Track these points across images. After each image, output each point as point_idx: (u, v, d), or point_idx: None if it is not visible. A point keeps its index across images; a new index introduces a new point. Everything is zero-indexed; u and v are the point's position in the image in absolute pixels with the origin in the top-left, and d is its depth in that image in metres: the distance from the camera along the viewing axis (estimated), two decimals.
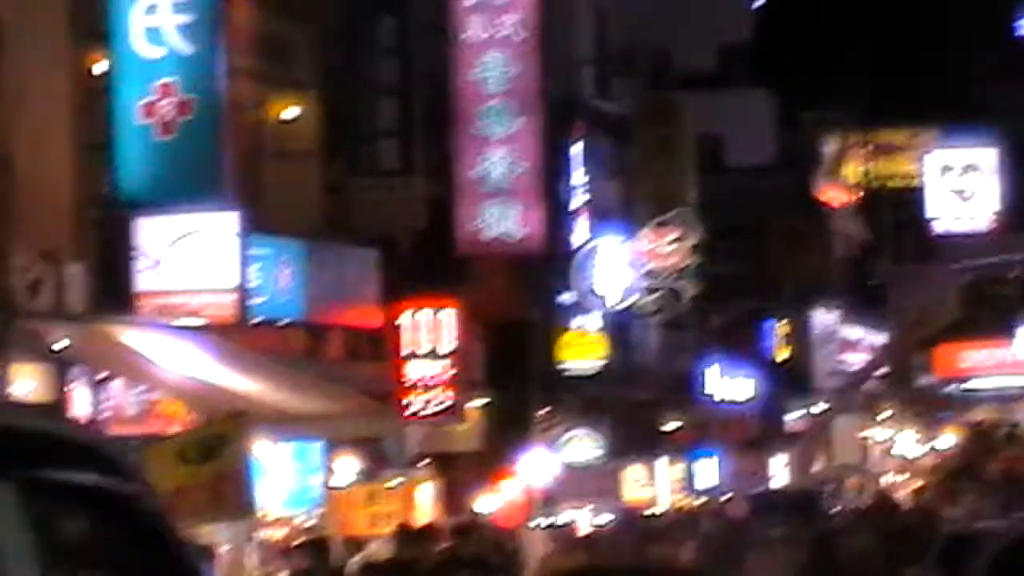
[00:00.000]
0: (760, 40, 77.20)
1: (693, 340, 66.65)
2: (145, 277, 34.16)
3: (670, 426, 60.72)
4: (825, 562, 41.77)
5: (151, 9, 34.30)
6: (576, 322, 55.99)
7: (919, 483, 77.93)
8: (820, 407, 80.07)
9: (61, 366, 29.63)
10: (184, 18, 34.53)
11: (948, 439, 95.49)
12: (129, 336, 31.74)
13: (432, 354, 43.63)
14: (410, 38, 45.51)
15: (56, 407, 20.03)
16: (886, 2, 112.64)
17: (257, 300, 36.03)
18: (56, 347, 27.84)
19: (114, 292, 33.61)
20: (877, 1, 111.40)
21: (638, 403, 57.97)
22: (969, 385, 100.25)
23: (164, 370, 29.72)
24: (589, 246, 56.77)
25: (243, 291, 35.27)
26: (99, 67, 34.45)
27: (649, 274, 57.06)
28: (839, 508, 61.70)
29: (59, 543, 8.03)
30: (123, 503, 8.36)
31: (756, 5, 76.24)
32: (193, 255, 34.49)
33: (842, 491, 72.21)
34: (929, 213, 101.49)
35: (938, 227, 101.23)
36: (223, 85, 35.29)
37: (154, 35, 34.33)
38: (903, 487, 76.71)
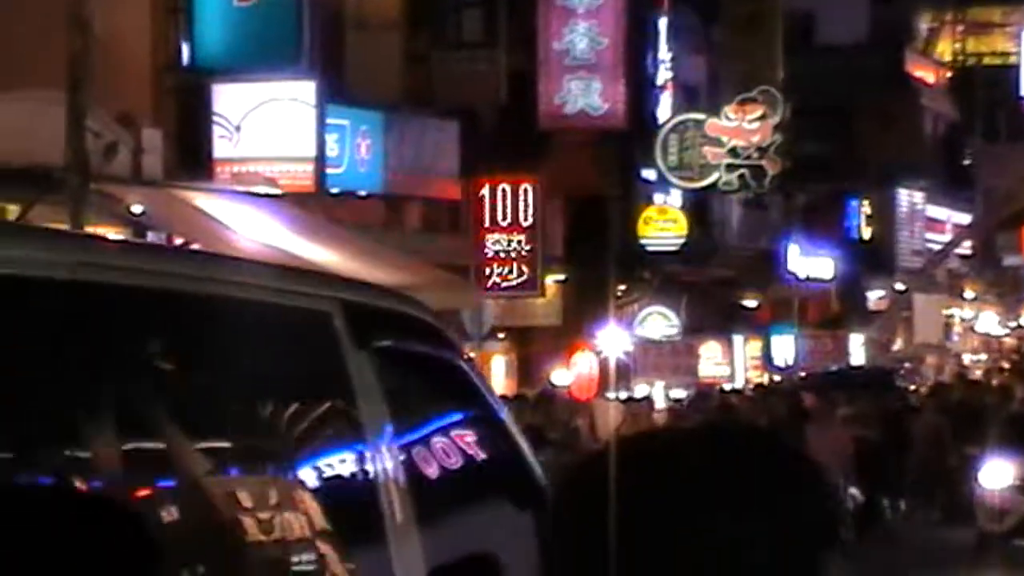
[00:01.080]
0: None
1: (776, 218, 66.02)
2: (222, 144, 34.38)
3: (750, 304, 60.12)
4: (896, 438, 41.49)
5: None
6: (658, 199, 55.54)
7: (999, 362, 77.71)
8: (902, 286, 79.33)
9: (139, 230, 29.41)
10: None
11: None
12: (206, 203, 31.45)
13: (511, 227, 43.27)
14: None
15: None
16: None
17: (335, 170, 36.19)
18: (134, 210, 27.51)
19: (191, 158, 33.69)
20: None
21: (718, 280, 57.77)
22: None
23: (242, 238, 29.28)
24: (673, 122, 56.39)
25: (321, 161, 35.36)
26: None
27: (733, 151, 56.61)
28: (916, 386, 61.68)
29: (403, 396, 10.00)
30: (446, 366, 10.94)
31: None
32: (271, 123, 34.57)
33: (920, 369, 72.05)
34: (1023, 91, 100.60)
35: None
36: None
37: None
38: (983, 366, 76.27)
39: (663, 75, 57.03)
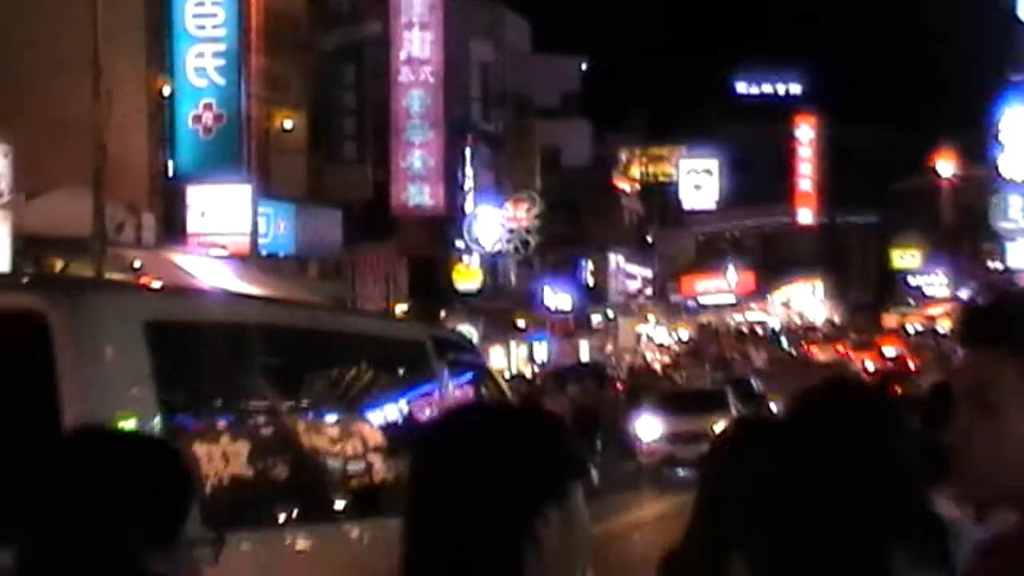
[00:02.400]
0: (584, 89, 76.34)
1: (536, 271, 66.21)
2: (194, 222, 33.60)
3: (520, 323, 60.17)
4: (599, 405, 43.78)
5: (199, 55, 33.75)
6: (464, 260, 55.22)
7: (666, 359, 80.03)
8: (611, 313, 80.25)
9: (138, 278, 29.01)
10: (220, 62, 33.87)
11: (684, 333, 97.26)
12: (182, 260, 30.84)
13: (370, 279, 43.94)
14: (364, 79, 44.75)
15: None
16: (659, 70, 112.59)
17: (263, 240, 35.46)
18: (135, 265, 26.81)
19: (173, 232, 33.00)
20: (654, 70, 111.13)
21: (501, 309, 57.33)
22: (700, 300, 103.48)
23: (202, 282, 28.75)
24: (473, 212, 55.97)
25: (255, 234, 34.64)
26: (165, 90, 33.55)
27: (510, 231, 56.48)
28: (617, 374, 63.15)
29: (461, 384, 11.21)
30: (480, 367, 12.20)
31: (584, 67, 75.49)
32: (223, 210, 33.82)
33: (621, 364, 72.35)
34: (681, 197, 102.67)
35: (685, 205, 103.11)
36: (244, 105, 34.48)
37: (201, 72, 33.75)
38: (658, 361, 77.97)
39: (468, 183, 56.38)
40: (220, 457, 7.29)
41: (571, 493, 2.87)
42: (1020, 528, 2.90)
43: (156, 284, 20.47)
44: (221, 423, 7.58)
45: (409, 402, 10.26)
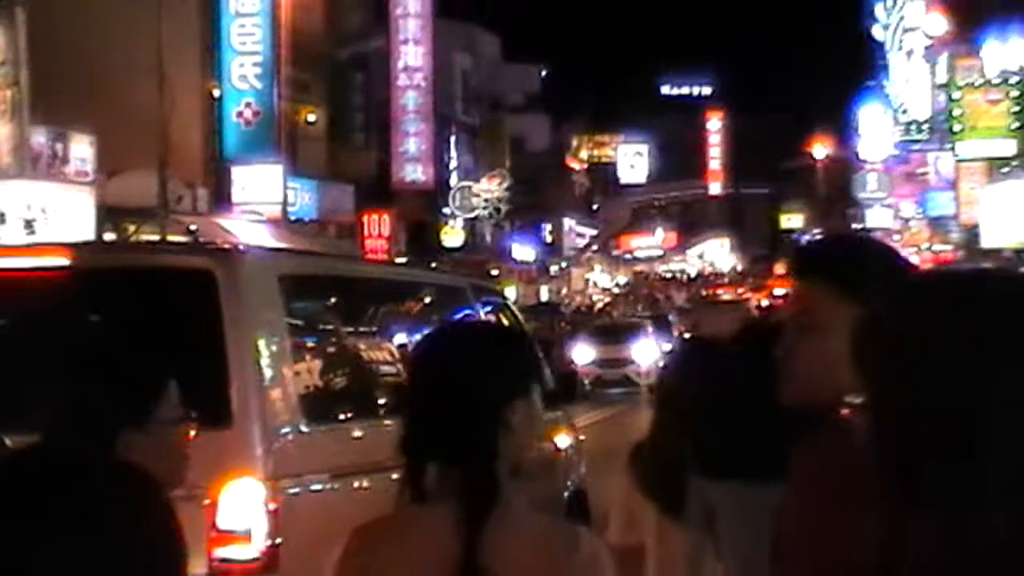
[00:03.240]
0: (544, 90, 76.22)
1: (506, 232, 65.94)
2: (237, 194, 33.00)
3: (494, 272, 59.69)
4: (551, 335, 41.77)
5: (241, 65, 33.57)
6: (450, 223, 54.89)
7: (608, 300, 79.33)
8: (565, 264, 79.92)
9: (195, 239, 28.73)
10: (257, 70, 33.72)
11: (622, 279, 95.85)
12: (228, 224, 30.26)
13: (378, 236, 43.44)
14: (370, 83, 44.93)
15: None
16: (603, 76, 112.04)
17: (292, 208, 35.08)
18: (191, 228, 26.59)
19: (221, 203, 32.56)
20: (598, 75, 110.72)
21: (479, 261, 56.93)
22: (634, 254, 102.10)
23: (243, 240, 28.52)
24: (457, 186, 55.81)
25: (285, 204, 34.22)
26: (215, 92, 33.38)
27: (485, 200, 56.10)
28: (571, 311, 62.32)
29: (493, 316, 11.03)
30: (506, 305, 11.98)
31: (543, 73, 75.33)
32: (261, 185, 33.35)
33: (573, 303, 72.27)
34: (619, 174, 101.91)
35: (622, 180, 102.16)
36: (276, 104, 34.25)
37: (243, 78, 33.63)
38: (601, 301, 77.53)
39: (452, 163, 56.43)
40: (321, 368, 7.83)
41: (532, 391, 3.03)
42: (829, 426, 2.79)
43: (284, 247, 20.36)
44: (325, 343, 8.19)
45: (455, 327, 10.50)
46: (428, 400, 2.99)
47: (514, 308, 12.43)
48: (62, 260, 7.19)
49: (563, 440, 11.31)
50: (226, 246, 8.98)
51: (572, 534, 3.03)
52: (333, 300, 8.50)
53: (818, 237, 3.28)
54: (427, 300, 10.11)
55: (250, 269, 7.13)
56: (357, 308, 8.80)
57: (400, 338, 8.91)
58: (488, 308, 10.77)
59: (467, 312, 10.12)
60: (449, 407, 2.95)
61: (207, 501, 6.29)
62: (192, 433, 3.32)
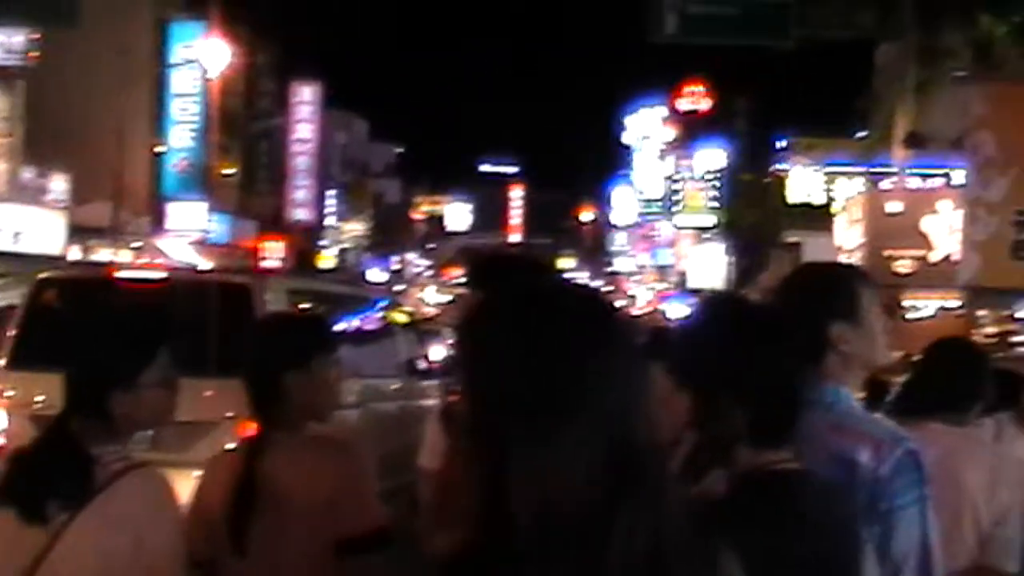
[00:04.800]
0: (398, 162, 76.12)
1: (366, 260, 64.99)
2: (171, 223, 31.73)
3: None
4: None
5: (181, 131, 32.62)
6: (325, 251, 54.08)
7: (436, 312, 77.31)
8: (405, 286, 78.85)
9: (137, 255, 27.78)
10: (193, 135, 32.90)
11: (448, 297, 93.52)
12: (163, 245, 29.38)
13: (271, 259, 41.21)
14: (273, 148, 44.28)
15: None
16: (440, 154, 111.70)
17: (210, 235, 33.56)
18: (134, 246, 26.06)
19: (159, 229, 31.33)
20: (437, 153, 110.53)
21: (344, 281, 55.95)
22: (457, 280, 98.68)
23: (174, 258, 27.72)
24: (332, 225, 55.18)
25: (206, 231, 33.02)
26: (159, 149, 32.27)
27: (352, 237, 55.58)
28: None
29: None
30: (396, 304, 10.84)
31: (397, 151, 75.01)
32: (188, 216, 32.18)
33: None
34: (448, 223, 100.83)
35: (450, 227, 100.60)
36: (203, 159, 33.60)
37: (181, 139, 32.59)
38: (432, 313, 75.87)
39: (329, 209, 55.47)
40: None
41: (310, 361, 2.86)
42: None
43: (288, 269, 19.57)
44: None
45: (367, 319, 10.01)
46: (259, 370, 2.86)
47: (401, 305, 12.48)
48: (163, 274, 8.21)
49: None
50: (256, 270, 9.77)
51: (339, 446, 2.86)
52: (315, 304, 8.82)
53: (485, 255, 2.96)
54: (356, 303, 10.06)
55: (271, 286, 7.90)
56: (328, 307, 9.06)
57: (345, 325, 9.11)
58: (380, 307, 10.55)
59: (372, 310, 10.10)
60: (252, 373, 2.86)
61: None
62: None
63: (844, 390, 2.58)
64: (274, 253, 41.86)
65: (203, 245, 32.33)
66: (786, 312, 2.60)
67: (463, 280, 2.83)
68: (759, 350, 2.10)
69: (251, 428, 2.88)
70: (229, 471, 2.78)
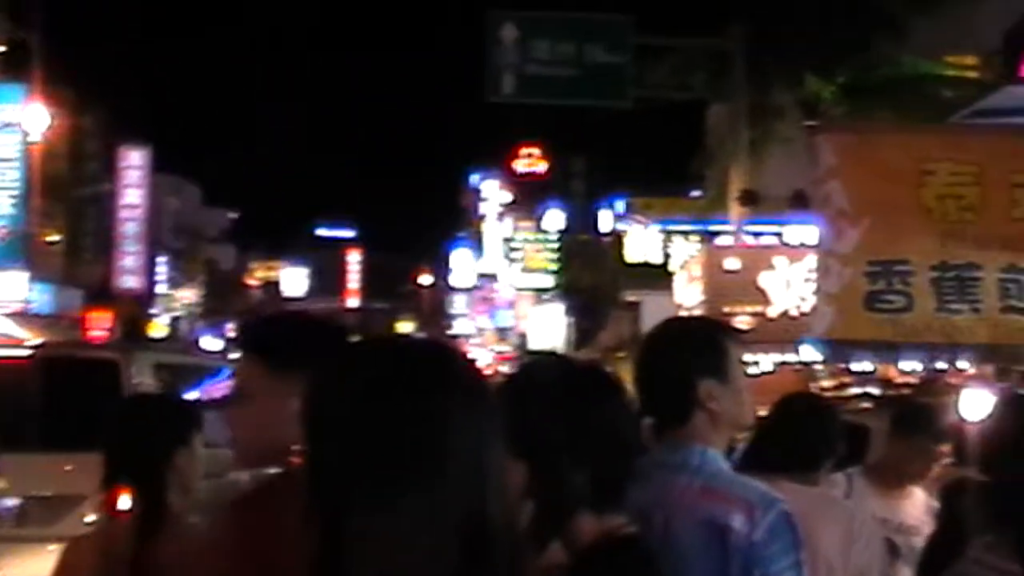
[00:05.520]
0: (232, 227, 74.67)
1: (198, 327, 63.47)
2: None
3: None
4: None
5: (2, 197, 31.28)
6: (157, 319, 52.71)
7: None
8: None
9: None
10: (14, 201, 31.65)
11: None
12: None
13: (98, 329, 40.07)
14: (100, 214, 42.86)
15: None
16: (277, 219, 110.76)
17: (32, 305, 32.11)
18: None
19: None
20: (273, 219, 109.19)
21: (177, 349, 54.77)
22: None
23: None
24: (163, 293, 53.78)
25: (28, 302, 31.69)
26: None
27: (184, 305, 54.32)
28: None
29: None
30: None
31: (232, 216, 73.42)
32: (9, 286, 30.77)
33: None
34: (284, 289, 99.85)
35: (287, 293, 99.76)
36: (25, 226, 32.23)
37: (1, 207, 31.38)
38: None
39: (160, 276, 54.15)
40: None
41: (191, 441, 3.13)
42: (271, 481, 2.27)
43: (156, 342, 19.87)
44: None
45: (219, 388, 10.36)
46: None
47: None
48: (30, 352, 8.67)
49: None
50: (124, 345, 10.96)
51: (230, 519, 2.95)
52: (177, 376, 9.39)
53: (260, 318, 2.72)
54: (208, 373, 10.41)
55: (137, 359, 8.39)
56: (187, 377, 9.56)
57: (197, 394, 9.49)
58: (226, 376, 10.80)
59: (220, 378, 10.41)
60: (120, 455, 3.01)
61: None
62: None
63: (712, 451, 2.50)
64: (101, 323, 40.71)
65: (24, 316, 31.03)
66: (653, 368, 2.55)
67: (240, 345, 2.50)
68: (595, 411, 2.06)
69: (122, 505, 2.93)
70: (97, 551, 2.84)
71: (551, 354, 4.05)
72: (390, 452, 1.34)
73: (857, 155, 4.89)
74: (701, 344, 2.53)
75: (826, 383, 14.34)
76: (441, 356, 1.42)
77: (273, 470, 2.30)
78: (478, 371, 1.45)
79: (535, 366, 2.35)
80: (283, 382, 2.22)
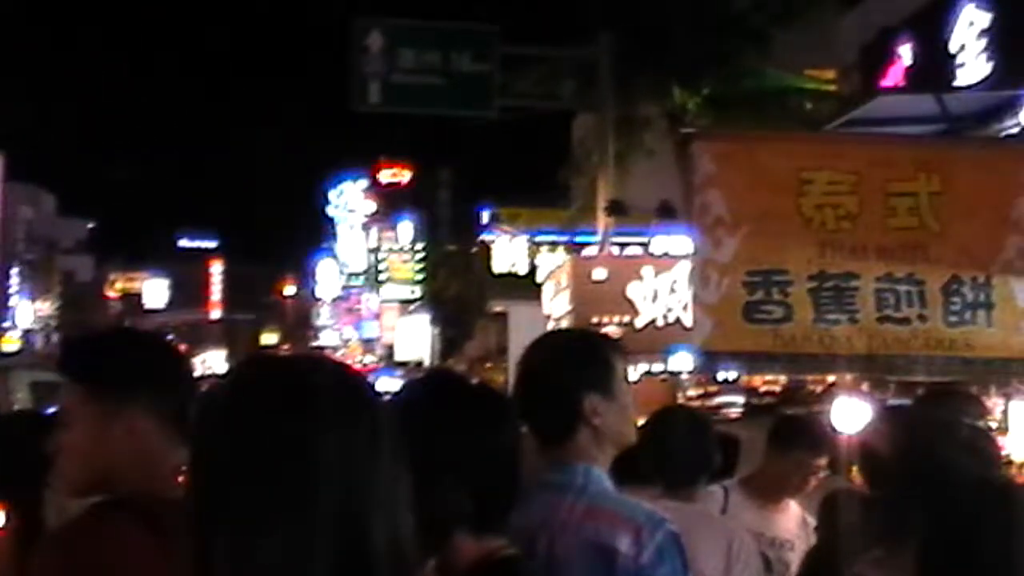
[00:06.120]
0: (89, 237, 72.65)
1: (54, 342, 61.36)
2: None
3: (51, 376, 55.16)
4: None
5: None
6: (9, 333, 50.77)
7: None
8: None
9: None
10: None
11: None
12: None
13: None
14: None
15: None
16: (130, 229, 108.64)
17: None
18: None
19: None
20: (125, 229, 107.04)
21: (33, 364, 52.79)
22: None
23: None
24: (17, 305, 51.93)
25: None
26: None
27: (39, 317, 52.45)
28: None
29: None
30: None
31: (91, 226, 71.30)
32: None
33: None
34: (146, 301, 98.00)
35: (148, 305, 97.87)
36: None
37: None
38: None
39: (12, 288, 52.19)
40: None
41: None
42: (92, 512, 2.10)
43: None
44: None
45: None
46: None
47: None
48: None
49: None
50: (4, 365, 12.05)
51: None
52: (54, 392, 9.61)
53: (78, 339, 2.48)
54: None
55: (12, 376, 8.30)
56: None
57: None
58: None
59: None
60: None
61: None
62: None
63: (596, 469, 2.42)
64: None
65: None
66: (535, 381, 2.45)
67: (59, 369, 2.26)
68: (482, 431, 2.02)
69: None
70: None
71: (440, 371, 3.95)
72: (259, 477, 1.30)
73: (736, 163, 4.77)
74: (586, 357, 2.45)
75: (692, 392, 14.40)
76: (317, 377, 1.36)
77: (97, 499, 2.14)
78: (361, 389, 1.39)
79: (421, 382, 2.25)
80: (104, 407, 2.11)
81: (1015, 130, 6.70)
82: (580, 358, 2.45)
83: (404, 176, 53.53)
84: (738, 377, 13.64)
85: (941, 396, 4.23)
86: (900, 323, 4.70)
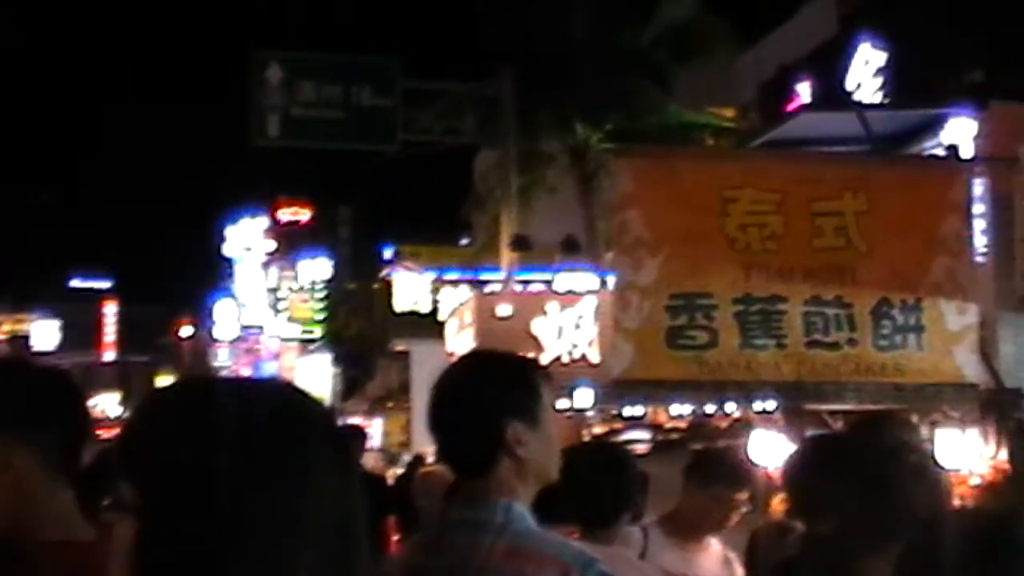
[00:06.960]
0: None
1: None
2: None
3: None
4: None
5: None
6: None
7: None
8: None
9: None
10: None
11: None
12: None
13: None
14: None
15: None
16: (23, 268, 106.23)
17: None
18: None
19: None
20: (19, 268, 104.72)
21: None
22: None
23: None
24: None
25: None
26: None
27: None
28: None
29: None
30: None
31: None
32: None
33: None
34: (34, 344, 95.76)
35: (36, 348, 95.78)
36: None
37: None
38: None
39: None
40: None
41: None
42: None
43: None
44: None
45: None
46: None
47: None
48: None
49: None
50: None
51: None
52: None
53: None
54: None
55: None
56: None
57: None
58: None
59: None
60: None
61: None
62: None
63: (518, 505, 2.23)
64: None
65: None
66: (452, 407, 2.26)
67: None
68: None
69: None
70: None
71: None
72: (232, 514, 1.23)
73: (656, 181, 4.52)
74: (511, 381, 2.25)
75: (597, 429, 14.21)
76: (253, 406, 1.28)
77: None
78: (320, 411, 1.31)
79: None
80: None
81: (938, 150, 6.68)
82: (505, 382, 2.25)
83: (304, 214, 53.01)
84: (645, 413, 13.52)
85: (879, 422, 4.03)
86: (829, 348, 4.48)
